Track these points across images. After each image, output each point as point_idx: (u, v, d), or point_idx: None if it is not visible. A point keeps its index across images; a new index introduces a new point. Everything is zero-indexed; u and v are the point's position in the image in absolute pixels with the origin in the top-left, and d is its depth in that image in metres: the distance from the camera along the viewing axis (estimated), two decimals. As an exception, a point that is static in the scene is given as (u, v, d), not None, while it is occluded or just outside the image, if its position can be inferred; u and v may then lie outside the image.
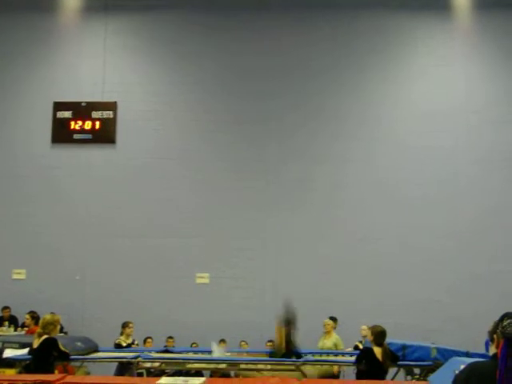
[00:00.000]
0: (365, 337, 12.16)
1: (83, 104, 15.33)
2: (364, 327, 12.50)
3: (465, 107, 14.90)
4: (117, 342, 11.32)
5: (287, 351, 10.00)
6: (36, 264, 14.81)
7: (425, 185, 14.65)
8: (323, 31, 15.33)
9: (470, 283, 14.12)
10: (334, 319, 13.50)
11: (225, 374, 11.97)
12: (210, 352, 10.92)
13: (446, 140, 14.77)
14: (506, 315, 3.71)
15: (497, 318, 3.79)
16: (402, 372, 9.94)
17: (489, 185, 14.61)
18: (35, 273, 14.79)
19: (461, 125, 14.83)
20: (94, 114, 15.31)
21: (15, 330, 13.76)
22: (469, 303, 13.88)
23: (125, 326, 11.51)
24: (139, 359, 9.56)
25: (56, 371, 8.76)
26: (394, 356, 8.54)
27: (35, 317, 13.15)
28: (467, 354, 8.88)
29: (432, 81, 15.09)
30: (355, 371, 8.94)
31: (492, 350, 3.81)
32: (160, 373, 10.34)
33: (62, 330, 12.18)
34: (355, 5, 15.33)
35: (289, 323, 10.07)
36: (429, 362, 9.12)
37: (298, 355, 10.02)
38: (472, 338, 11.81)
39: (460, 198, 14.55)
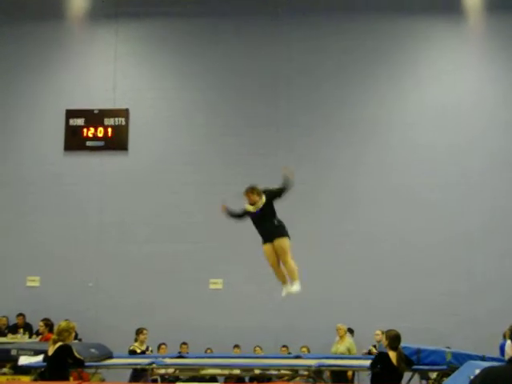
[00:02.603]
0: (379, 341, 12.14)
1: (95, 111, 15.39)
2: (378, 332, 12.48)
3: (477, 110, 14.86)
4: (131, 348, 11.34)
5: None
6: (50, 271, 14.86)
7: (437, 187, 14.60)
8: (333, 36, 15.33)
9: (483, 286, 14.06)
10: (350, 331, 13.48)
11: (239, 380, 11.96)
12: (224, 357, 10.91)
13: (457, 142, 14.73)
14: None
15: (510, 320, 3.77)
16: (416, 376, 9.89)
17: (500, 186, 14.56)
18: (49, 280, 14.84)
19: (472, 127, 14.78)
20: (107, 121, 15.37)
21: (30, 337, 13.81)
22: (483, 306, 13.81)
23: (139, 332, 11.52)
24: (153, 366, 9.55)
25: (71, 378, 8.78)
26: (409, 360, 8.51)
27: (49, 324, 13.18)
28: (482, 358, 8.81)
29: (444, 84, 15.05)
30: (370, 375, 8.93)
31: (508, 354, 3.78)
32: (174, 379, 10.36)
33: (76, 337, 12.19)
34: (365, 10, 15.33)
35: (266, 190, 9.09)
36: (443, 366, 9.07)
37: None
38: (486, 341, 11.80)
39: (472, 199, 14.50)
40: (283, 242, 8.81)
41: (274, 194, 8.92)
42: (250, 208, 8.98)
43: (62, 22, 15.88)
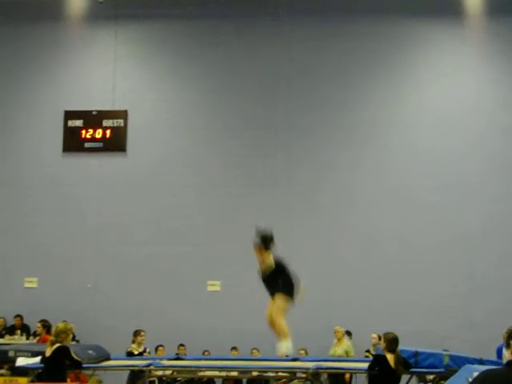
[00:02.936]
0: (375, 345, 12.13)
1: (94, 113, 15.39)
2: (374, 335, 12.48)
3: (476, 112, 14.88)
4: (128, 350, 11.33)
5: (276, 266, 8.95)
6: (48, 272, 14.84)
7: (436, 189, 14.60)
8: (333, 38, 15.33)
9: (482, 288, 14.06)
10: (348, 333, 13.48)
11: (237, 382, 11.96)
12: (221, 359, 10.90)
13: (456, 145, 14.75)
14: None
15: (509, 323, 3.76)
16: (414, 379, 9.89)
17: (499, 188, 14.57)
18: (47, 281, 14.82)
19: (471, 130, 14.80)
20: (105, 123, 15.36)
21: (27, 339, 13.80)
22: (481, 308, 13.82)
23: (136, 334, 11.52)
24: (151, 367, 9.52)
25: (68, 380, 8.76)
26: (407, 363, 8.50)
27: (46, 325, 13.18)
28: (480, 361, 8.81)
29: (443, 87, 15.07)
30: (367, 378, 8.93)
31: (506, 357, 3.77)
32: (172, 381, 10.36)
33: (73, 339, 12.19)
34: (365, 11, 15.33)
35: (266, 241, 8.91)
36: (441, 369, 9.06)
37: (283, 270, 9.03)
38: (485, 344, 11.78)
39: (471, 201, 14.50)
40: (279, 300, 8.72)
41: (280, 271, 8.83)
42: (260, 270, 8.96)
43: (61, 23, 15.88)
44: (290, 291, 8.87)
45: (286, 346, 8.67)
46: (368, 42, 15.28)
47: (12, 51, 15.83)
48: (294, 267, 14.29)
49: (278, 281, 8.83)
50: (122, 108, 15.44)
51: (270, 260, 8.84)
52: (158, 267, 14.70)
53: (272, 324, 8.92)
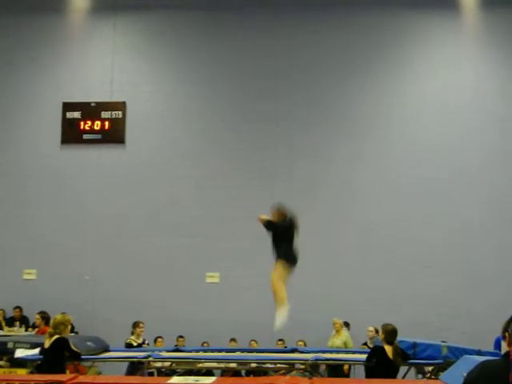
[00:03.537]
0: (372, 338, 12.13)
1: (92, 104, 15.37)
2: (371, 328, 12.47)
3: (475, 104, 14.87)
4: (127, 341, 11.35)
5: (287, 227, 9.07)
6: (46, 264, 14.85)
7: (435, 181, 14.61)
8: (333, 31, 15.32)
9: (479, 279, 14.07)
10: (347, 324, 13.50)
11: (236, 373, 11.98)
12: (220, 351, 10.93)
13: (455, 136, 14.74)
14: None
15: (507, 315, 3.76)
16: (412, 370, 9.92)
17: (499, 180, 14.57)
18: (46, 273, 14.84)
19: (470, 121, 14.80)
20: (104, 114, 15.35)
21: (26, 330, 13.82)
22: (479, 300, 13.84)
23: (135, 325, 11.53)
24: (150, 359, 9.56)
25: (67, 371, 8.78)
26: (405, 354, 8.53)
27: (45, 317, 13.18)
28: (479, 353, 8.83)
29: (442, 79, 15.06)
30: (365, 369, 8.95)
31: (504, 348, 3.77)
32: (171, 372, 10.36)
33: (72, 330, 12.20)
34: (365, 4, 15.30)
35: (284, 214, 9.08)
36: (439, 360, 9.09)
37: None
38: (483, 336, 11.82)
39: (470, 193, 14.51)
40: (279, 264, 8.75)
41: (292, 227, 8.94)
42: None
43: (59, 14, 15.84)
44: (291, 260, 8.84)
45: (280, 320, 8.51)
46: (367, 34, 15.26)
47: (11, 43, 15.80)
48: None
49: (282, 244, 8.86)
50: (121, 100, 15.42)
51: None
52: (156, 259, 14.71)
53: (276, 288, 8.91)
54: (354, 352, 11.41)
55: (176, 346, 12.29)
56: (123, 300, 14.46)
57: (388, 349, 8.17)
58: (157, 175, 15.15)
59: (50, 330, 8.57)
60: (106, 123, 15.35)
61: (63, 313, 9.42)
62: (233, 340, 13.75)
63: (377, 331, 11.05)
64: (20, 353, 9.68)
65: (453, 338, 12.11)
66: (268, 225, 8.93)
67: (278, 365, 10.24)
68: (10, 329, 13.76)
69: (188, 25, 15.64)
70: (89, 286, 14.75)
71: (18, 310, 14.53)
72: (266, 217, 9.02)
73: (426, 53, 15.29)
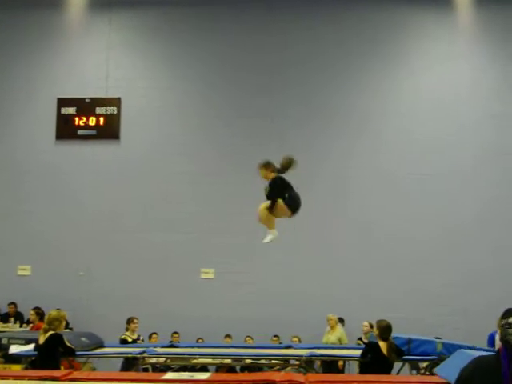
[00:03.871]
0: (367, 333, 12.15)
1: (87, 100, 15.33)
2: (366, 323, 12.49)
3: (470, 100, 14.88)
4: (122, 337, 11.35)
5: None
6: (41, 260, 14.83)
7: (431, 178, 14.61)
8: (327, 26, 15.30)
9: (475, 277, 14.08)
10: (341, 320, 13.51)
11: (231, 369, 11.99)
12: (215, 347, 10.93)
13: (450, 133, 14.74)
14: (509, 312, 3.65)
15: (501, 311, 3.76)
16: (407, 366, 9.94)
17: (494, 176, 14.58)
18: (40, 269, 14.80)
19: (466, 118, 14.80)
20: (98, 110, 15.31)
21: (20, 326, 13.81)
22: (475, 297, 13.86)
23: (130, 321, 11.53)
24: (145, 355, 9.57)
25: (62, 367, 8.78)
26: (400, 350, 8.54)
27: (40, 313, 13.20)
28: (473, 349, 8.85)
29: (437, 75, 15.06)
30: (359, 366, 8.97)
31: (498, 344, 3.77)
32: (165, 368, 10.38)
33: (67, 326, 12.20)
34: (360, 0, 15.28)
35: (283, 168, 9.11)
36: (434, 356, 9.11)
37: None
38: (477, 333, 11.83)
39: (464, 190, 14.51)
40: (276, 203, 8.83)
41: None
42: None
43: (55, 10, 15.78)
44: (293, 205, 8.92)
45: (269, 238, 8.95)
46: (362, 30, 15.25)
47: (6, 37, 15.74)
48: (288, 256, 14.37)
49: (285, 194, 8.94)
50: (115, 95, 15.38)
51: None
52: (151, 255, 14.69)
53: (261, 216, 8.88)
54: (348, 348, 11.45)
55: (171, 342, 12.28)
56: (118, 296, 14.45)
57: (382, 345, 8.16)
58: (152, 171, 15.12)
59: (44, 325, 8.56)
60: (101, 119, 15.31)
61: (58, 309, 9.42)
62: (228, 336, 13.75)
63: (371, 326, 11.06)
64: (14, 349, 9.68)
65: (448, 334, 12.12)
66: (276, 184, 9.02)
67: (273, 361, 10.28)
68: (5, 325, 13.74)
69: (183, 20, 15.61)
70: (83, 282, 14.72)
71: (12, 305, 14.50)
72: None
73: (421, 48, 15.29)
